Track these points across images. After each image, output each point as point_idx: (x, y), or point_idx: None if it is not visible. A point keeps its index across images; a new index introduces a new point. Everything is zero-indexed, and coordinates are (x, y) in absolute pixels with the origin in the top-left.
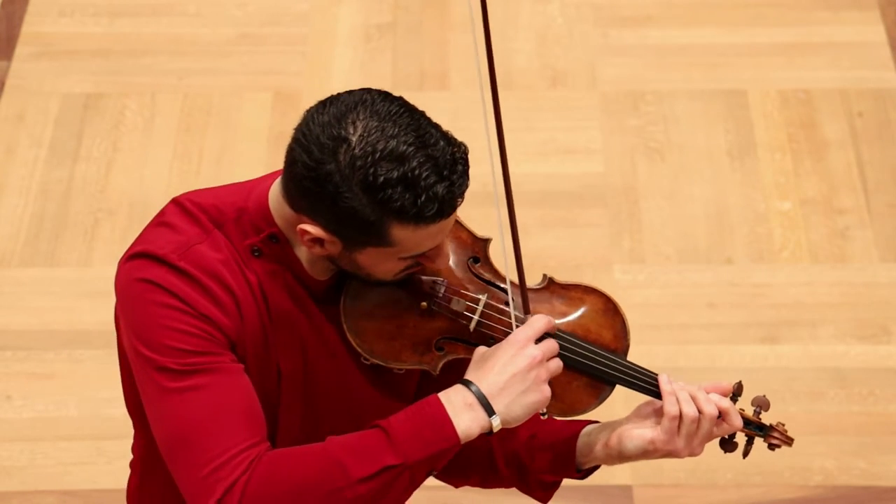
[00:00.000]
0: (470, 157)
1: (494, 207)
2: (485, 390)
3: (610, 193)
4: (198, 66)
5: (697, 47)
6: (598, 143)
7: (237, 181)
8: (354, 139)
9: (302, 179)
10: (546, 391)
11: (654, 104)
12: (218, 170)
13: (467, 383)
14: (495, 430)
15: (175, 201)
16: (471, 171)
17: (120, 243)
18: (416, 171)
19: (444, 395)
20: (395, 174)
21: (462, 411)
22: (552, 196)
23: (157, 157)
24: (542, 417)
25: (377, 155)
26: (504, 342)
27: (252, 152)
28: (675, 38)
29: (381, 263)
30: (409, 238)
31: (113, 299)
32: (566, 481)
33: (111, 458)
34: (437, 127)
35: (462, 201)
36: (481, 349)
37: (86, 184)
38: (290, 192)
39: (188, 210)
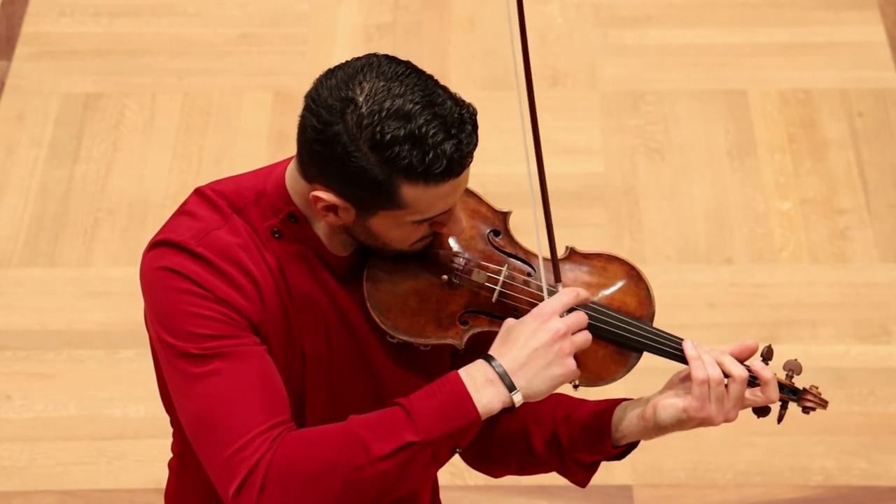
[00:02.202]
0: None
1: (497, 201)
2: (506, 366)
3: (610, 193)
4: (198, 66)
5: (697, 47)
6: (598, 143)
7: None
8: (361, 99)
9: (312, 144)
10: (570, 364)
11: (654, 104)
12: (218, 170)
13: (489, 359)
14: (517, 404)
15: (197, 191)
16: (473, 170)
17: (120, 243)
18: (424, 129)
19: (464, 371)
20: (402, 132)
21: (483, 387)
22: (552, 196)
23: (157, 157)
24: (574, 389)
25: (384, 113)
26: (528, 315)
27: (252, 152)
28: (675, 38)
29: (394, 229)
30: (420, 198)
31: (113, 299)
32: (565, 481)
33: (111, 458)
34: (444, 88)
35: (471, 161)
36: (509, 321)
37: (86, 184)
38: (302, 161)
39: (209, 198)
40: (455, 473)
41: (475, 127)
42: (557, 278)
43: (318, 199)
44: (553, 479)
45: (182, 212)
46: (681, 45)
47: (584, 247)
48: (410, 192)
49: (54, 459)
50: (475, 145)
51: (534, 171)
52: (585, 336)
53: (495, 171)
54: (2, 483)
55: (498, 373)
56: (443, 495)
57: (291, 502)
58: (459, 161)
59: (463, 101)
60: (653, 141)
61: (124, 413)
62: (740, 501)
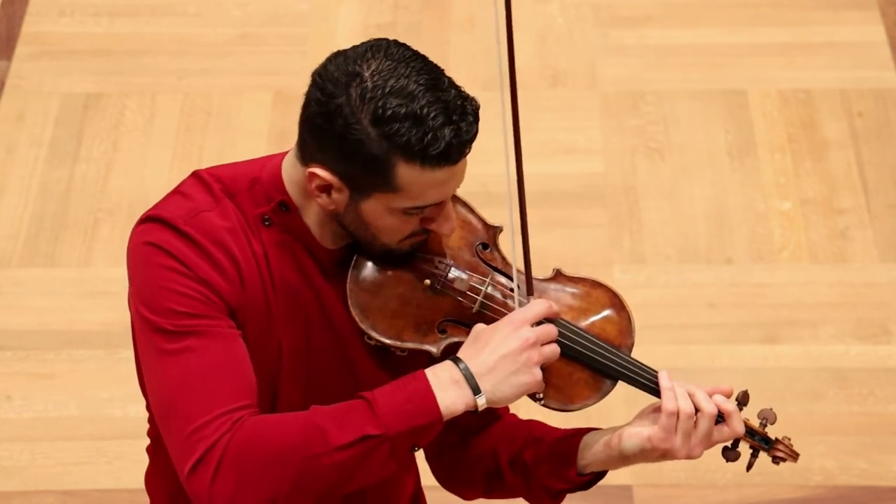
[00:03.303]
0: (470, 155)
1: (496, 202)
2: (473, 369)
3: (610, 193)
4: (198, 66)
5: (697, 47)
6: (598, 143)
7: None
8: (367, 74)
9: (314, 117)
10: (536, 374)
11: (654, 104)
12: None
13: (457, 360)
14: (480, 408)
15: (194, 173)
16: (473, 170)
17: (120, 243)
18: (425, 110)
19: (431, 371)
20: (404, 109)
21: (447, 387)
22: (552, 196)
23: (157, 157)
24: (538, 403)
25: (388, 89)
26: (500, 322)
27: (252, 152)
28: (675, 38)
29: (386, 217)
30: (414, 181)
31: (113, 299)
32: None
33: (111, 458)
34: (451, 79)
35: (469, 151)
36: (479, 326)
37: (86, 184)
38: (302, 138)
39: (204, 180)
40: None
41: (476, 118)
42: (530, 291)
43: (313, 176)
44: None
45: (176, 191)
46: (681, 45)
47: (571, 270)
48: (406, 172)
49: (54, 459)
50: (475, 135)
51: (513, 176)
52: (553, 349)
53: (497, 171)
54: (2, 483)
55: (464, 374)
56: (441, 495)
57: (245, 485)
58: (458, 148)
59: (467, 95)
60: (653, 141)
61: (124, 413)
62: (740, 501)
